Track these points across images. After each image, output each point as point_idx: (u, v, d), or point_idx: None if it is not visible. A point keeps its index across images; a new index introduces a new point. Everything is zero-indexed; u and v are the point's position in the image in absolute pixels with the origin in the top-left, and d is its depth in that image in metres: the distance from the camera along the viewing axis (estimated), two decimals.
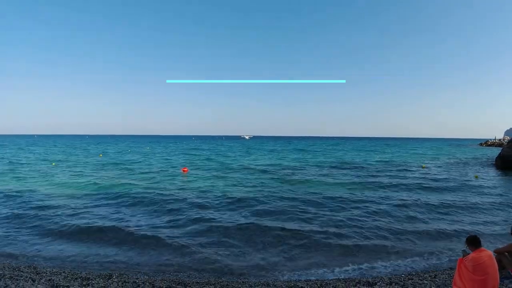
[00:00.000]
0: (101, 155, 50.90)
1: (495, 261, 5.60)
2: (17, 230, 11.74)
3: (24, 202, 16.14)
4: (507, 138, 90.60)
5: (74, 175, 26.47)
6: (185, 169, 30.73)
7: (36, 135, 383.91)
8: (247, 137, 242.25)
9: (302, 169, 32.21)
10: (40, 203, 15.86)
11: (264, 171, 30.29)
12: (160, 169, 31.63)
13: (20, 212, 14.07)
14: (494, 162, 37.69)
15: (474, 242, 5.79)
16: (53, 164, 35.59)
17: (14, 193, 18.19)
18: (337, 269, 8.49)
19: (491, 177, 27.42)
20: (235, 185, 21.94)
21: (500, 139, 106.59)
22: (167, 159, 45.34)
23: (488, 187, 21.77)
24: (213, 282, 7.33)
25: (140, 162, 40.09)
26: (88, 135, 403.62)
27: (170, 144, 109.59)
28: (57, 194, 18.28)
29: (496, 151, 48.97)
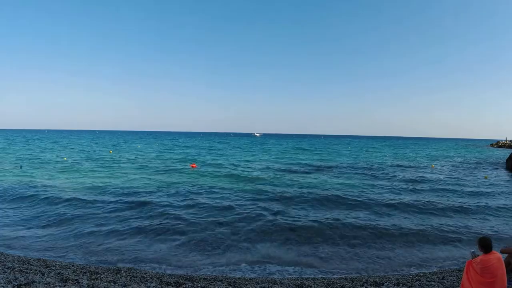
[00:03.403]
0: (111, 151, 51.26)
1: (503, 264, 5.54)
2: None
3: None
4: None
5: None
6: (194, 165, 31.03)
7: (47, 130, 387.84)
8: (257, 134, 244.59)
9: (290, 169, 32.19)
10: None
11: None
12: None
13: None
14: (504, 163, 37.26)
15: (485, 244, 5.71)
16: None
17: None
18: (344, 269, 8.50)
19: (501, 178, 27.06)
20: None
21: (511, 140, 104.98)
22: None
23: (498, 188, 21.51)
24: (221, 279, 7.37)
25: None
26: (98, 130, 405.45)
27: (169, 140, 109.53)
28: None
29: (507, 152, 48.32)
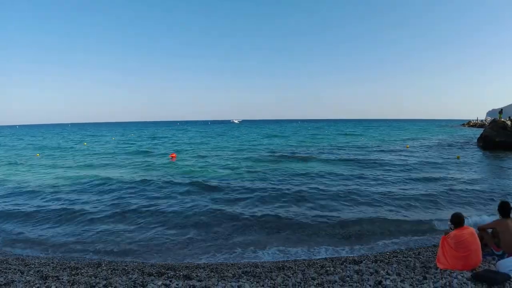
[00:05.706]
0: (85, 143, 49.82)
1: (477, 238, 5.72)
2: None
3: None
4: (489, 119, 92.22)
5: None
6: (174, 155, 30.60)
7: (18, 125, 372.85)
8: (236, 121, 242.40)
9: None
10: None
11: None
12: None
13: None
14: (476, 142, 38.39)
15: (458, 220, 5.90)
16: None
17: None
18: (323, 249, 8.69)
19: (473, 157, 27.87)
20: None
21: (482, 120, 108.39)
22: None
23: (471, 167, 22.21)
24: (203, 266, 7.39)
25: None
26: (71, 124, 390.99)
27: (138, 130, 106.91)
28: None
29: (478, 131, 49.88)
